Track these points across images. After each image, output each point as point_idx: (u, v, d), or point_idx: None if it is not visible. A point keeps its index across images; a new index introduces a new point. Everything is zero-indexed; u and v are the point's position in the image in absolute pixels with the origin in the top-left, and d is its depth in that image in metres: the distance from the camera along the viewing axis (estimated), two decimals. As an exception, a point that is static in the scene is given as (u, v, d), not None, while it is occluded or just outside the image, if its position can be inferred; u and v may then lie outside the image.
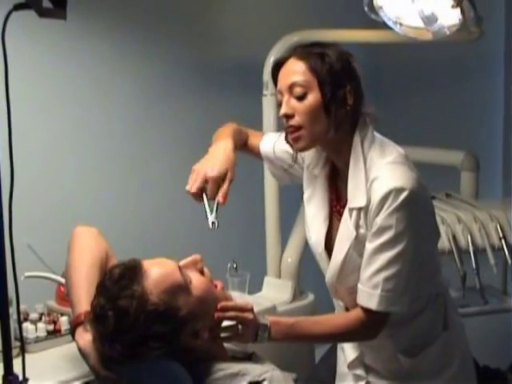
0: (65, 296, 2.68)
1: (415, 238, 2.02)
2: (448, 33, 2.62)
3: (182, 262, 1.93)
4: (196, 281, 1.89)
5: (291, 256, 3.21)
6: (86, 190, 3.24)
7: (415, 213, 2.02)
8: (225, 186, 2.12)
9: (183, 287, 1.85)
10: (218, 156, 2.17)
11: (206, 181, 2.11)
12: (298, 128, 2.05)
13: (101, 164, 3.29)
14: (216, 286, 1.97)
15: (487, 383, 2.58)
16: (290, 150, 2.22)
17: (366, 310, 2.05)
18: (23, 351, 1.86)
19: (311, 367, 3.02)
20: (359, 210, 2.07)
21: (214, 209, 2.10)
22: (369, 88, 4.10)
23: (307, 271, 3.29)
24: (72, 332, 1.95)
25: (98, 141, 3.27)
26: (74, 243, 2.10)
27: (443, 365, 2.27)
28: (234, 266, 2.88)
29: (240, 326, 1.96)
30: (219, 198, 2.10)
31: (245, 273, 2.96)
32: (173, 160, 3.51)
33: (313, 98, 2.03)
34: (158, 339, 1.79)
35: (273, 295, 3.12)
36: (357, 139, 2.09)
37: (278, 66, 2.11)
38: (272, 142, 2.38)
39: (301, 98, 2.04)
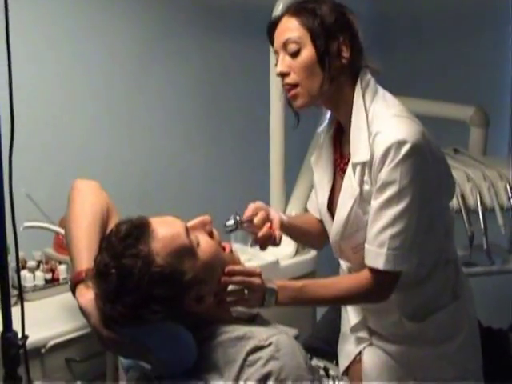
0: (63, 244, 2.65)
1: (421, 192, 1.94)
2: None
3: (190, 223, 1.85)
4: (204, 244, 1.82)
5: (295, 209, 3.15)
6: (84, 139, 3.18)
7: (420, 166, 1.93)
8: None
9: (190, 250, 1.78)
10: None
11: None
12: (295, 85, 1.99)
13: (99, 112, 3.22)
14: (224, 249, 1.91)
15: (489, 344, 2.54)
16: None
17: (375, 271, 1.98)
18: (22, 302, 1.82)
19: (312, 324, 3.00)
20: (363, 165, 2.00)
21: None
22: (376, 38, 4.06)
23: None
24: (72, 289, 1.89)
25: (96, 89, 3.19)
26: (74, 196, 2.02)
27: (450, 334, 2.22)
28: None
29: (246, 291, 1.90)
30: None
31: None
32: (172, 106, 3.43)
33: (307, 53, 1.97)
34: (161, 302, 1.72)
35: (275, 249, 3.05)
36: (358, 92, 2.03)
37: (273, 26, 2.04)
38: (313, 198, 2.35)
39: (295, 54, 1.98)
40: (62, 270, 2.62)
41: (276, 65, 2.03)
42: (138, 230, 1.75)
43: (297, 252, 3.13)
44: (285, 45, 1.99)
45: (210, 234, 1.87)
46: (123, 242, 1.73)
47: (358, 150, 2.00)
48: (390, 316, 2.20)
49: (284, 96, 2.08)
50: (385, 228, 1.95)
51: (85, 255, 1.89)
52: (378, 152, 1.93)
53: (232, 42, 3.55)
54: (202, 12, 3.43)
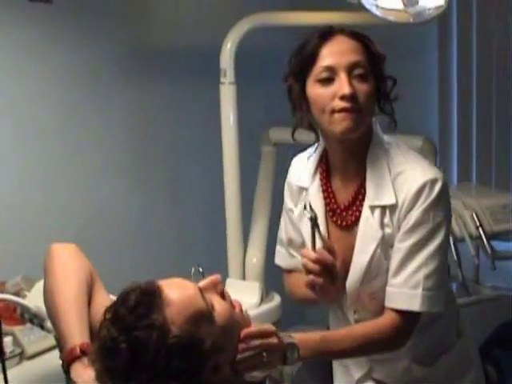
0: (9, 314, 2.44)
1: (448, 231, 1.94)
2: (431, 15, 2.46)
3: (201, 284, 1.68)
4: (218, 306, 1.65)
5: (256, 256, 3.04)
6: (15, 189, 2.93)
7: (447, 204, 1.95)
8: None
9: (207, 315, 1.61)
10: None
11: None
12: (359, 111, 1.88)
13: (30, 163, 2.99)
14: (234, 308, 1.75)
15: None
16: (295, 236, 2.15)
17: (401, 314, 1.91)
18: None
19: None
20: (383, 207, 1.93)
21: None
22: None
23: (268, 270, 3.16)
24: (66, 368, 1.70)
25: (26, 138, 2.96)
26: (53, 264, 1.84)
27: (459, 374, 2.17)
28: (200, 270, 2.67)
29: (265, 353, 1.74)
30: None
31: (213, 277, 2.75)
32: (108, 152, 3.23)
33: (371, 81, 1.91)
34: (180, 376, 1.55)
35: (239, 298, 2.92)
36: (377, 131, 2.00)
37: (325, 40, 1.92)
38: (284, 253, 2.24)
39: (363, 79, 1.89)
40: (7, 343, 2.41)
41: (323, 80, 1.89)
42: (149, 296, 1.57)
43: (262, 300, 3.00)
44: (352, 67, 1.88)
45: (222, 295, 1.70)
46: (134, 313, 1.54)
47: (380, 192, 1.93)
48: (399, 363, 2.12)
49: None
50: (419, 268, 1.90)
51: (76, 329, 1.73)
52: (409, 193, 1.89)
53: (166, 85, 3.39)
54: (136, 54, 3.26)
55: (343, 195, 2.02)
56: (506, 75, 3.70)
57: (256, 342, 1.71)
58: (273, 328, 1.77)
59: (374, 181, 1.95)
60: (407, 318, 1.92)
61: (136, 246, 3.26)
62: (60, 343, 1.78)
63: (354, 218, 2.00)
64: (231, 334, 1.66)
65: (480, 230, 2.81)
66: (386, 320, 1.93)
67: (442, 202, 1.90)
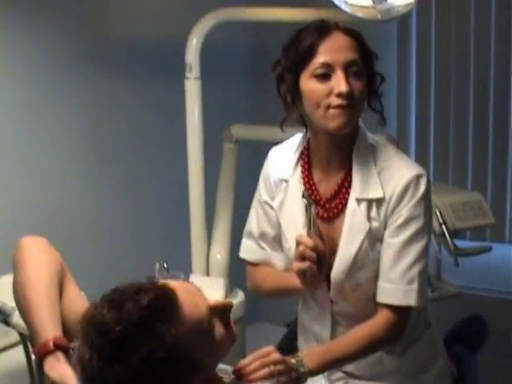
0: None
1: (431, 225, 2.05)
2: (400, 13, 2.47)
3: (212, 304, 1.62)
4: (218, 332, 1.61)
5: (220, 252, 3.03)
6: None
7: (430, 199, 2.02)
8: None
9: (206, 341, 1.57)
10: None
11: None
12: (353, 107, 1.92)
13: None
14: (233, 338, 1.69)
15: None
16: (269, 229, 2.16)
17: (395, 309, 1.97)
18: None
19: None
20: (370, 201, 1.97)
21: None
22: (252, 68, 4.00)
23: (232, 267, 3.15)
24: (39, 362, 1.67)
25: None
26: (24, 257, 1.81)
27: (427, 363, 2.21)
28: (165, 265, 2.65)
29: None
30: None
31: (178, 274, 2.72)
32: (66, 151, 3.16)
33: (364, 79, 1.95)
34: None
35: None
36: (363, 129, 2.04)
37: (323, 36, 1.93)
38: (252, 246, 2.24)
39: (358, 77, 1.93)
40: None
41: (320, 76, 1.92)
42: (164, 304, 1.51)
43: (226, 297, 2.99)
44: (348, 64, 1.91)
45: (226, 321, 1.66)
46: (141, 312, 1.48)
47: (367, 186, 1.97)
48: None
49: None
50: (413, 264, 1.95)
51: (49, 323, 1.71)
52: (397, 187, 1.94)
53: (127, 80, 3.35)
54: (95, 49, 3.21)
55: (325, 187, 2.05)
56: (464, 73, 3.75)
57: (265, 371, 1.77)
58: (272, 353, 1.81)
59: (360, 174, 1.99)
60: (403, 312, 1.98)
61: (96, 242, 3.22)
62: (32, 337, 1.75)
63: (336, 210, 2.03)
64: (216, 356, 1.65)
65: (443, 226, 2.82)
66: (383, 317, 1.98)
67: (428, 198, 1.97)
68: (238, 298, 3.06)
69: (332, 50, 1.91)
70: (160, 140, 3.52)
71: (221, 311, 1.63)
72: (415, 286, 1.95)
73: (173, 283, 1.57)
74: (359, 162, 1.99)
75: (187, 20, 2.98)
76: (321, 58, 1.91)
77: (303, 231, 2.04)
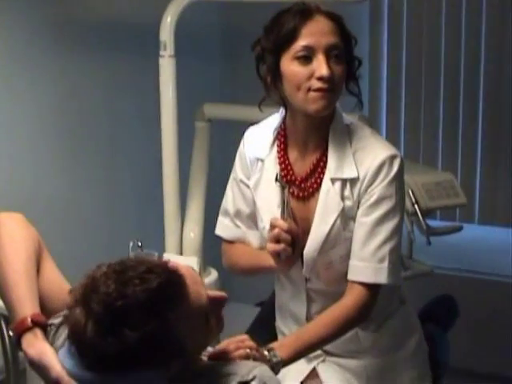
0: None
1: (404, 205, 2.07)
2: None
3: (211, 294, 1.64)
4: (211, 323, 1.63)
5: (193, 230, 3.03)
6: None
7: (403, 179, 2.05)
8: None
9: (201, 328, 1.59)
10: None
11: None
12: (332, 90, 1.95)
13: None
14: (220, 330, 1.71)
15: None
16: (244, 207, 2.18)
17: (367, 286, 2.00)
18: None
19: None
20: (344, 181, 2.01)
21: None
22: (223, 48, 3.98)
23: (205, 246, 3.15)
24: (17, 339, 1.66)
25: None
26: (0, 234, 1.79)
27: (403, 339, 2.25)
28: (139, 244, 2.65)
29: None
30: None
31: (151, 252, 2.73)
32: (36, 129, 3.15)
33: (344, 63, 1.98)
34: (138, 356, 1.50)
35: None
36: (339, 110, 2.07)
37: (305, 18, 1.95)
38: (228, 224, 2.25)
39: (338, 61, 1.95)
40: None
41: (301, 58, 1.94)
42: (173, 292, 1.51)
43: (200, 275, 2.97)
44: (330, 49, 1.93)
45: (218, 313, 1.67)
46: (147, 293, 1.48)
47: (341, 166, 2.00)
48: None
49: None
50: (384, 242, 1.98)
51: (27, 300, 1.69)
52: (370, 168, 1.97)
53: (100, 58, 3.33)
54: (68, 27, 3.18)
55: (301, 167, 2.08)
56: (436, 54, 3.77)
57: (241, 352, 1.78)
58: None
59: (335, 154, 2.02)
60: (373, 290, 2.02)
61: (70, 221, 3.21)
62: (10, 315, 1.73)
63: (311, 190, 2.06)
64: (204, 345, 1.68)
65: (416, 206, 2.84)
66: (353, 295, 2.01)
67: (400, 178, 2.00)
68: (212, 276, 3.07)
69: (314, 33, 1.94)
70: (133, 118, 3.51)
71: (217, 303, 1.64)
72: (386, 264, 1.99)
73: (182, 268, 1.58)
74: (335, 143, 2.03)
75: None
76: (303, 40, 1.94)
77: (277, 211, 2.07)
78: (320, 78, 1.92)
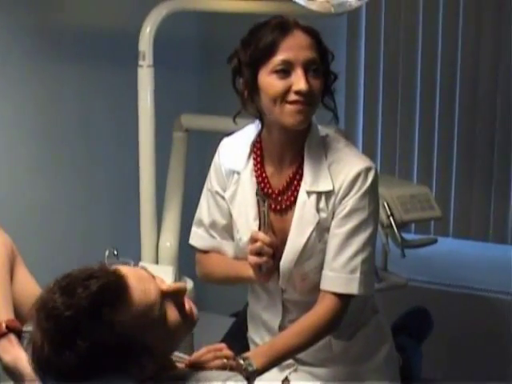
0: None
1: (377, 218, 2.09)
2: (353, 6, 2.50)
3: (165, 288, 1.62)
4: (170, 318, 1.59)
5: (169, 240, 3.03)
6: None
7: (377, 192, 2.07)
8: None
9: (156, 325, 1.56)
10: None
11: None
12: (309, 104, 1.98)
13: None
14: (189, 318, 1.67)
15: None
16: (220, 219, 2.19)
17: (338, 297, 2.01)
18: None
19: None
20: (319, 193, 2.02)
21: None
22: (203, 59, 3.99)
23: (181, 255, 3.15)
24: (-9, 345, 1.67)
25: None
26: None
27: (375, 348, 2.27)
28: (115, 252, 2.65)
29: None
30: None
31: (127, 261, 2.72)
32: (14, 131, 3.12)
33: (321, 77, 2.00)
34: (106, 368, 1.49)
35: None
36: (314, 123, 2.09)
37: (284, 34, 1.97)
38: (202, 234, 2.25)
39: (316, 75, 1.98)
40: None
41: (280, 71, 1.96)
42: (112, 293, 1.50)
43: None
44: (308, 63, 1.95)
45: (180, 306, 1.64)
46: (89, 299, 1.47)
47: (317, 179, 2.02)
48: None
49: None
50: (356, 254, 2.00)
51: (1, 307, 1.72)
52: (345, 180, 1.99)
53: (77, 67, 3.33)
54: (46, 35, 3.18)
55: (277, 181, 2.10)
56: (412, 69, 3.80)
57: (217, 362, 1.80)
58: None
59: (311, 167, 2.04)
60: (344, 300, 2.03)
61: (46, 228, 3.20)
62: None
63: (288, 203, 2.08)
64: (171, 341, 1.64)
65: (391, 218, 2.86)
66: (324, 305, 2.03)
67: (374, 190, 2.02)
68: (187, 285, 3.05)
69: (293, 48, 1.96)
70: (111, 127, 3.51)
71: (173, 295, 1.62)
72: (357, 274, 2.01)
73: (125, 269, 1.56)
74: (310, 156, 2.04)
75: (140, 8, 3.00)
76: (281, 55, 1.95)
77: (254, 223, 2.10)
78: (298, 92, 1.94)
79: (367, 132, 3.97)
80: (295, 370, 2.22)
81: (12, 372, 1.62)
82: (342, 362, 2.21)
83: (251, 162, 2.12)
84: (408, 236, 3.21)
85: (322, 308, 2.03)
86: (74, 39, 3.28)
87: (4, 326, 1.66)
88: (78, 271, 1.53)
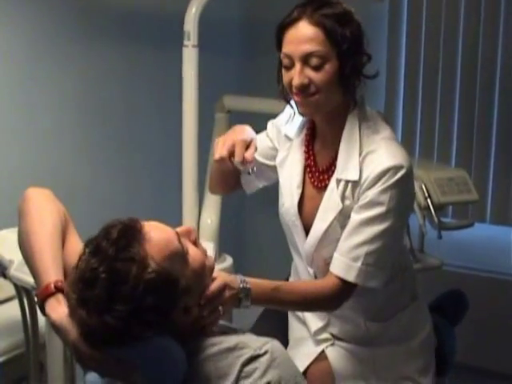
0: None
1: (403, 216, 2.05)
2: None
3: (178, 229, 1.75)
4: (192, 251, 1.72)
5: (210, 217, 3.08)
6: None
7: (406, 191, 2.03)
8: (252, 149, 2.14)
9: (183, 256, 1.67)
10: (241, 129, 2.23)
11: (233, 145, 2.14)
12: (313, 94, 1.98)
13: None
14: (205, 256, 1.79)
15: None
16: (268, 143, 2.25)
17: (341, 280, 2.00)
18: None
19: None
20: (347, 182, 2.02)
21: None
22: (245, 41, 4.02)
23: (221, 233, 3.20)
24: (40, 305, 1.73)
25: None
26: (29, 206, 1.86)
27: (413, 332, 2.27)
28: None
29: (221, 307, 1.79)
30: (247, 156, 2.11)
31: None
32: (58, 113, 3.23)
33: (331, 67, 1.96)
34: (153, 312, 1.60)
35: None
36: (355, 111, 2.06)
37: (287, 28, 1.98)
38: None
39: (318, 68, 1.96)
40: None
41: (285, 67, 1.99)
42: (131, 232, 1.63)
43: (215, 261, 3.03)
44: (306, 57, 1.94)
45: (195, 243, 1.77)
46: (115, 245, 1.60)
47: (347, 167, 2.02)
48: (354, 320, 2.21)
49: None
50: (363, 244, 1.98)
51: (51, 267, 1.76)
52: (372, 173, 1.97)
53: (123, 46, 3.40)
54: (93, 15, 3.26)
55: (321, 159, 2.13)
56: (453, 52, 3.82)
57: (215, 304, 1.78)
58: (225, 279, 1.83)
59: (344, 155, 2.04)
60: (344, 285, 2.01)
61: (90, 203, 3.29)
62: (35, 282, 1.80)
63: (324, 184, 2.10)
64: (201, 278, 1.73)
65: (428, 200, 2.88)
66: (328, 282, 2.02)
67: (400, 188, 1.97)
68: (227, 262, 3.12)
69: (293, 41, 1.96)
70: (154, 107, 3.57)
71: (187, 234, 1.75)
72: (358, 264, 1.97)
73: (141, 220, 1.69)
74: (346, 142, 2.04)
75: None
76: (284, 48, 1.99)
77: (297, 191, 2.13)
78: (295, 86, 1.97)
79: (407, 116, 3.98)
80: (332, 345, 2.25)
81: (58, 329, 1.67)
82: (378, 343, 2.22)
83: (304, 132, 2.16)
84: (445, 221, 3.22)
85: (326, 284, 2.02)
86: (119, 21, 3.35)
87: (52, 286, 1.70)
88: (97, 233, 1.66)
